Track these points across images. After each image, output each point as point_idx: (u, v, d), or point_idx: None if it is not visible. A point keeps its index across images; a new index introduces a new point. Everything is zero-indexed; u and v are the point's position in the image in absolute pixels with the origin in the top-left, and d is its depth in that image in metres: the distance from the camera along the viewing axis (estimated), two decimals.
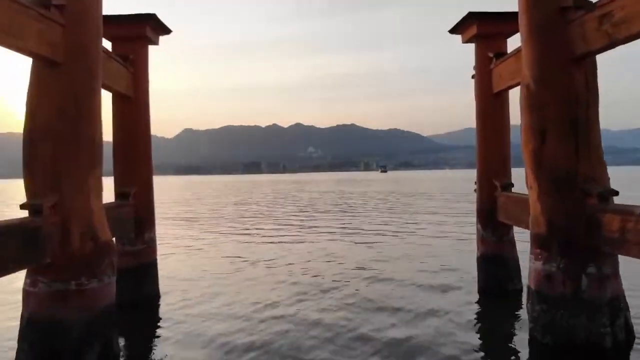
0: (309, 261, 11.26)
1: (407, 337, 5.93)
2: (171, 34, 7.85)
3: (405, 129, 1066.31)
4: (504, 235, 7.52)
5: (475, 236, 8.04)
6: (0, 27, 4.01)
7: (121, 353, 5.52)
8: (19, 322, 4.78)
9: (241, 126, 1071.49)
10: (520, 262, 7.57)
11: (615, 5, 4.33)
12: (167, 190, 69.89)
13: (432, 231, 16.49)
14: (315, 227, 18.95)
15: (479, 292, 7.80)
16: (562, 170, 4.99)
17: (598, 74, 5.11)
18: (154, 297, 7.63)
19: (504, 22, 7.29)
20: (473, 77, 7.88)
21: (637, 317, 5.48)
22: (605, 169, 5.11)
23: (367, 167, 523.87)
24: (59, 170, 4.78)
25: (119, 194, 7.19)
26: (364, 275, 9.47)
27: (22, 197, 4.81)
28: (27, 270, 4.73)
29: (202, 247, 14.01)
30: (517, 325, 6.36)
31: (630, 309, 5.09)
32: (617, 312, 4.94)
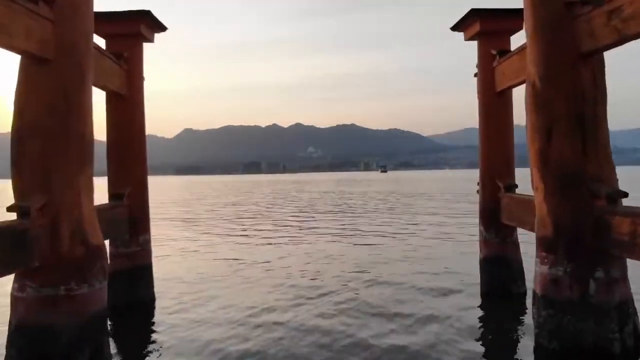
0: (308, 263, 11.09)
1: (406, 343, 5.75)
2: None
3: (405, 129, 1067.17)
4: (508, 236, 7.36)
5: (477, 238, 7.88)
6: None
7: (112, 359, 5.34)
8: (7, 328, 4.61)
9: (241, 126, 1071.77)
10: (524, 264, 7.41)
11: (625, 0, 4.17)
12: (167, 190, 69.76)
13: (433, 232, 16.32)
14: (314, 228, 18.79)
15: (482, 295, 7.64)
16: (569, 170, 4.84)
17: None
18: (149, 300, 7.46)
19: (507, 19, 7.14)
20: (476, 75, 7.72)
21: None
22: (614, 168, 4.95)
23: (367, 167, 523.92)
24: (48, 170, 4.61)
25: (112, 194, 7.04)
26: (363, 278, 9.30)
27: None
28: (15, 275, 4.58)
29: (199, 248, 13.83)
30: (521, 330, 6.20)
31: (639, 314, 4.92)
32: (626, 317, 4.79)
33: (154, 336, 6.22)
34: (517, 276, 7.39)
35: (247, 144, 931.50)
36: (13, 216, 4.49)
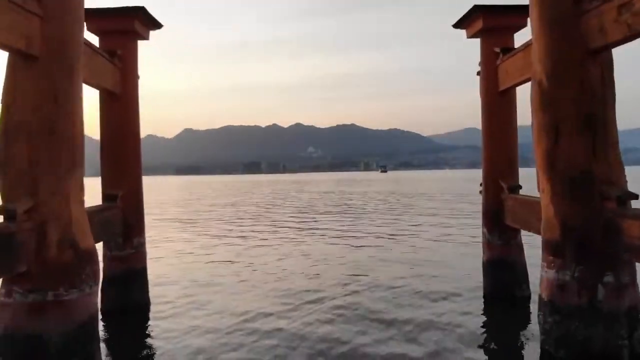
0: (306, 266, 10.87)
1: (406, 351, 5.55)
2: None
3: (405, 129, 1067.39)
4: (511, 239, 7.18)
5: (479, 239, 7.70)
6: None
7: None
8: None
9: (241, 126, 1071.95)
10: (528, 267, 7.23)
11: None
12: (166, 190, 69.63)
13: (434, 234, 16.12)
14: (313, 229, 18.59)
15: (485, 299, 7.46)
16: (577, 171, 4.66)
17: None
18: (143, 304, 7.26)
19: (511, 15, 6.98)
20: (478, 73, 7.55)
21: None
22: (623, 169, 4.78)
23: (367, 167, 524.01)
24: (35, 172, 4.44)
25: (106, 196, 6.85)
26: (362, 282, 9.09)
27: None
28: (2, 280, 4.42)
29: (197, 250, 13.59)
30: (526, 336, 5.99)
31: None
32: (635, 323, 4.63)
33: (147, 342, 6.04)
34: (521, 279, 7.21)
35: (247, 144, 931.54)
36: None
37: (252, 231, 18.19)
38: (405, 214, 24.11)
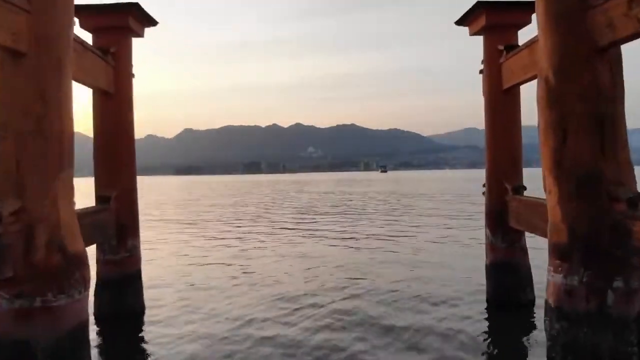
0: (304, 269, 10.65)
1: (405, 359, 5.39)
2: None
3: (405, 129, 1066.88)
4: (515, 241, 7.00)
5: (481, 241, 7.52)
6: None
7: None
8: None
9: (241, 126, 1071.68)
10: (533, 271, 7.05)
11: None
12: (166, 190, 69.48)
13: (435, 235, 15.92)
14: (313, 230, 18.38)
15: (487, 303, 7.28)
16: (586, 172, 4.48)
17: None
18: (138, 310, 7.07)
19: (515, 12, 6.82)
20: (481, 72, 7.38)
21: None
22: (633, 170, 4.60)
23: (367, 167, 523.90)
24: (22, 173, 4.26)
25: (99, 197, 6.68)
26: (361, 285, 8.87)
27: None
28: None
29: (194, 253, 13.37)
30: (531, 343, 5.82)
31: None
32: None
33: (141, 348, 5.90)
34: (526, 283, 7.03)
35: (247, 144, 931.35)
36: None
37: (251, 232, 18.01)
38: (406, 214, 23.94)
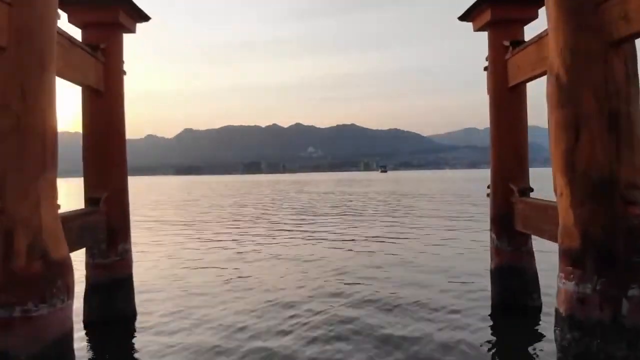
0: (300, 274, 10.28)
1: None
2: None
3: (405, 129, 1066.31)
4: (522, 245, 6.73)
5: (484, 244, 7.25)
6: None
7: None
8: None
9: (241, 126, 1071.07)
10: (540, 275, 6.79)
11: None
12: (166, 190, 69.20)
13: (436, 237, 15.60)
14: (312, 232, 18.08)
15: (493, 309, 7.01)
16: (599, 174, 4.23)
17: None
18: (129, 315, 6.80)
19: (521, 6, 6.56)
20: (485, 69, 7.12)
21: None
22: None
23: (367, 167, 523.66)
24: (1, 173, 4.01)
25: (89, 199, 6.42)
26: (359, 291, 8.52)
27: None
28: None
29: (188, 255, 13.02)
30: (539, 351, 5.54)
31: None
32: None
33: (130, 356, 5.63)
34: (532, 288, 6.75)
35: (247, 144, 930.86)
36: None
37: (248, 234, 17.71)
38: (406, 216, 23.67)
